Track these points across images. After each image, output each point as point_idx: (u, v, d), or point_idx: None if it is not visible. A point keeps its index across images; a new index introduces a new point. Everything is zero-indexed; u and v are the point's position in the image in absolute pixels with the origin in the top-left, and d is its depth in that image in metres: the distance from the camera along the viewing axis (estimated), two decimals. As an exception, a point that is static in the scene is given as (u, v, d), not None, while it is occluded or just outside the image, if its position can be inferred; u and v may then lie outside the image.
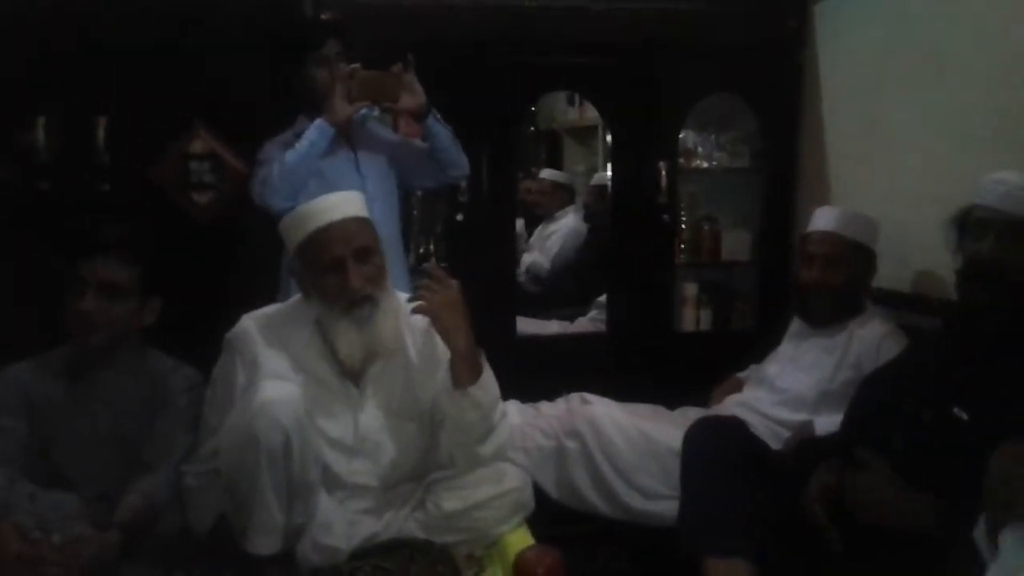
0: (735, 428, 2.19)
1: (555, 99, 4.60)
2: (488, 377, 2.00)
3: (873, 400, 2.03)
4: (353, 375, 2.02)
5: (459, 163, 2.74)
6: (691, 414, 2.72)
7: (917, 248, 2.60)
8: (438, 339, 2.03)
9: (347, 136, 2.64)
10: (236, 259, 2.95)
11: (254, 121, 2.64)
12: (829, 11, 3.22)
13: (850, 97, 3.11)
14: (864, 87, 3.00)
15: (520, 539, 2.03)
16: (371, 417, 2.02)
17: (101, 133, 2.83)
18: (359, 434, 2.01)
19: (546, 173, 4.58)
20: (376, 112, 2.71)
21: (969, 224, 1.94)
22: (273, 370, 1.94)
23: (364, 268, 1.94)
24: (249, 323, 2.02)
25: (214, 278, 2.89)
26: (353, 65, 2.52)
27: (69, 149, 2.84)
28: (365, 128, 2.71)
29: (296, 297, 2.08)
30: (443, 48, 3.01)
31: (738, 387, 2.81)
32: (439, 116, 2.64)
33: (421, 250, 3.34)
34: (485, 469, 2.03)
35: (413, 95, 2.57)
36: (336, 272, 1.91)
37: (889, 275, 2.65)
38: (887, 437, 1.89)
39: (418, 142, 2.73)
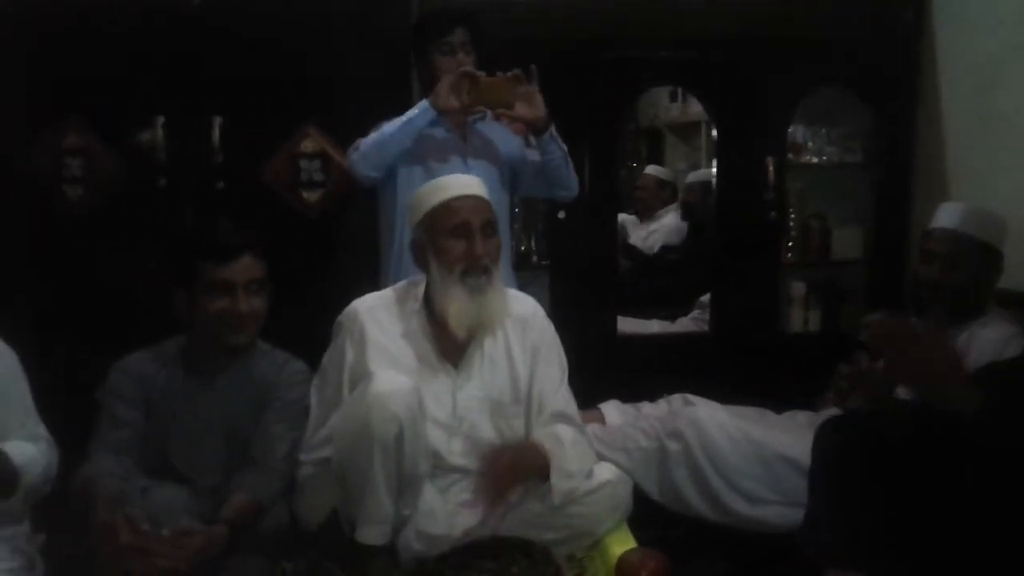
0: (868, 425, 2.08)
1: (657, 95, 4.52)
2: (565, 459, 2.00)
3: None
4: (454, 356, 2.07)
5: (568, 184, 2.71)
6: (799, 418, 2.64)
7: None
8: (538, 331, 2.12)
9: (461, 135, 2.65)
10: (341, 255, 3.00)
11: (365, 120, 2.67)
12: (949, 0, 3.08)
13: (972, 89, 2.96)
14: (987, 79, 2.86)
15: (622, 541, 2.02)
16: (469, 398, 2.07)
17: (216, 133, 2.91)
18: (457, 414, 2.05)
19: (650, 169, 4.51)
20: (487, 116, 2.70)
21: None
22: (379, 344, 2.02)
23: (487, 241, 2.02)
24: (358, 305, 2.11)
25: (320, 273, 2.95)
26: (470, 69, 2.51)
27: (186, 148, 2.93)
28: (479, 130, 2.70)
29: (403, 282, 2.17)
30: (544, 44, 3.00)
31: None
32: (556, 134, 2.60)
33: (522, 247, 3.33)
34: None
35: (532, 107, 2.52)
36: (462, 237, 2.00)
37: (1016, 276, 2.51)
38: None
39: (533, 153, 2.72)
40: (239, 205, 2.91)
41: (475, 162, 2.64)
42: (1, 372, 1.78)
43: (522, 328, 2.12)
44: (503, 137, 2.75)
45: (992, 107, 2.83)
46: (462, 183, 2.09)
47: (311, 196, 2.95)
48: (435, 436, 2.02)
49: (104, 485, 1.87)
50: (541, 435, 2.05)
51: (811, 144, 3.41)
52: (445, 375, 2.06)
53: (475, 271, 2.00)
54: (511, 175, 2.74)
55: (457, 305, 2.00)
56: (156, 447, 2.05)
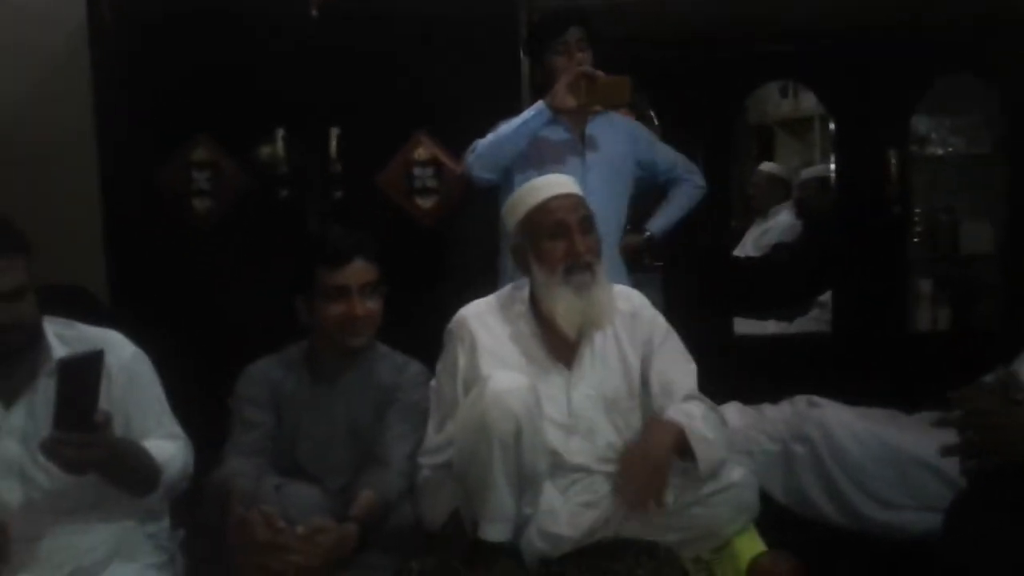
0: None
1: (767, 92, 4.42)
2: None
3: None
4: (565, 356, 2.06)
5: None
6: (931, 419, 2.53)
7: None
8: (647, 323, 2.09)
9: (579, 136, 2.65)
10: (457, 261, 3.04)
11: (476, 125, 2.70)
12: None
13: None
14: None
15: (750, 544, 1.96)
16: (584, 397, 2.05)
17: (334, 143, 2.99)
18: (573, 413, 2.04)
19: (764, 166, 4.41)
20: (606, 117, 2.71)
21: None
22: (489, 348, 2.03)
23: (586, 238, 2.01)
24: (466, 311, 2.13)
25: (436, 279, 2.99)
26: (588, 68, 2.51)
27: (305, 159, 3.02)
28: (598, 130, 2.70)
29: (506, 287, 2.17)
30: (656, 42, 2.99)
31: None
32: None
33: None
34: None
35: None
36: (561, 237, 1.99)
37: None
38: None
39: (664, 150, 2.75)
40: (356, 214, 2.97)
41: (593, 163, 2.64)
42: (139, 375, 1.84)
43: (631, 322, 2.10)
44: (625, 137, 2.74)
45: None
46: (555, 183, 2.08)
47: (425, 203, 3.00)
48: (553, 436, 2.01)
49: (238, 484, 1.92)
50: (669, 412, 2.00)
51: (935, 135, 3.29)
52: (558, 375, 2.06)
53: (578, 269, 1.99)
54: (635, 174, 2.74)
55: (564, 304, 2.00)
56: (285, 449, 2.10)
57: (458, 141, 2.97)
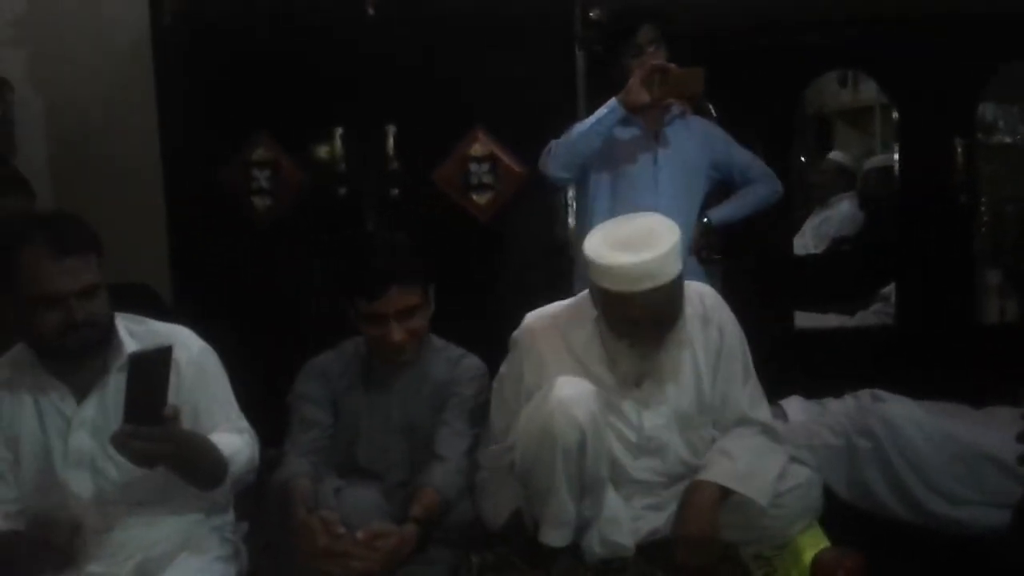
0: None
1: (825, 82, 4.35)
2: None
3: None
4: (636, 375, 2.01)
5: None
6: (1001, 414, 2.47)
7: None
8: (719, 327, 2.03)
9: (654, 134, 2.65)
10: (515, 258, 3.05)
11: (532, 121, 2.70)
12: None
13: None
14: None
15: (814, 540, 1.95)
16: (657, 416, 2.00)
17: (391, 141, 3.01)
18: (644, 434, 2.00)
19: (833, 155, 4.36)
20: (681, 110, 2.70)
21: None
22: (556, 365, 1.98)
23: (656, 323, 1.92)
24: (534, 322, 2.08)
25: (493, 276, 3.01)
26: (661, 62, 2.50)
27: (363, 157, 3.05)
28: (674, 130, 2.69)
29: (581, 295, 2.10)
30: (715, 33, 2.96)
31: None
32: None
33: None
34: None
35: None
36: (631, 326, 1.92)
37: None
38: None
39: (741, 152, 2.77)
40: (414, 211, 3.00)
41: (665, 162, 2.63)
42: (206, 368, 1.88)
43: (703, 328, 2.03)
44: (700, 138, 2.73)
45: None
46: (640, 276, 1.84)
47: (481, 199, 3.00)
48: (620, 453, 1.99)
49: (299, 487, 1.94)
50: (708, 460, 1.98)
51: (1003, 123, 3.20)
52: (628, 396, 2.00)
53: (644, 350, 1.95)
54: (711, 175, 2.74)
55: (625, 360, 1.98)
56: (344, 446, 2.12)
57: (514, 137, 3.00)
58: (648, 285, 1.84)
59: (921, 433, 2.39)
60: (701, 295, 2.08)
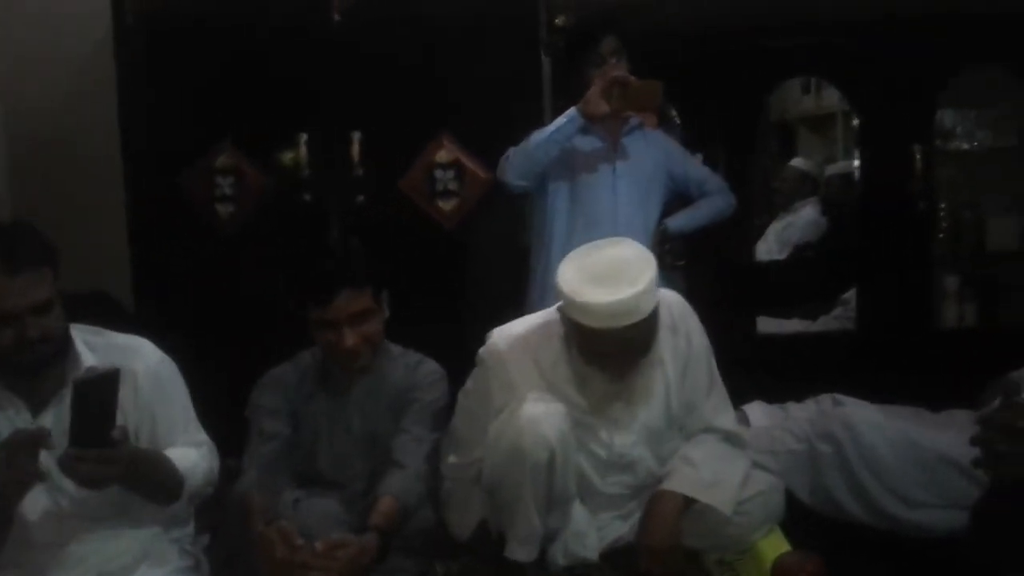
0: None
1: (788, 88, 4.41)
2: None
3: None
4: (607, 397, 2.00)
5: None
6: (959, 417, 2.50)
7: None
8: (686, 337, 2.04)
9: (612, 145, 2.67)
10: (480, 265, 3.04)
11: (498, 128, 2.71)
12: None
13: None
14: None
15: (775, 544, 1.97)
16: (627, 434, 2.01)
17: (356, 147, 2.99)
18: (615, 451, 2.00)
19: (795, 162, 4.40)
20: (639, 122, 2.73)
21: None
22: (528, 390, 1.96)
23: (628, 356, 1.93)
24: (501, 342, 2.05)
25: (459, 283, 3.00)
26: (621, 74, 2.53)
27: (328, 164, 3.02)
28: (631, 141, 2.72)
29: (548, 312, 2.08)
30: (676, 39, 2.99)
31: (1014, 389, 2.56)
32: None
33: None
34: None
35: None
36: (601, 358, 1.93)
37: None
38: None
39: (697, 166, 2.80)
40: (378, 218, 2.98)
41: (624, 172, 2.66)
42: (165, 380, 1.85)
43: (671, 337, 2.03)
44: (657, 150, 2.77)
45: None
46: (611, 313, 1.82)
47: (447, 205, 3.00)
48: (589, 471, 2.00)
49: (257, 499, 1.93)
50: (671, 469, 1.99)
51: (960, 129, 3.25)
52: (598, 417, 2.00)
53: (614, 378, 1.96)
54: (668, 186, 2.76)
55: (594, 385, 1.98)
56: (305, 456, 2.10)
57: (480, 143, 3.00)
58: (626, 322, 1.82)
59: (881, 437, 2.41)
60: (669, 304, 2.06)
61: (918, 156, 3.07)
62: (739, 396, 2.83)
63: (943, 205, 3.27)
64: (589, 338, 1.89)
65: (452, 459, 2.06)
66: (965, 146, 3.29)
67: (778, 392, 2.86)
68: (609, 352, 1.90)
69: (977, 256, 3.28)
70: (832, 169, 4.11)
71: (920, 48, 3.05)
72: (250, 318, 2.95)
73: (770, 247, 4.17)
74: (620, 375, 1.95)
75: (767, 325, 3.36)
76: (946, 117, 3.27)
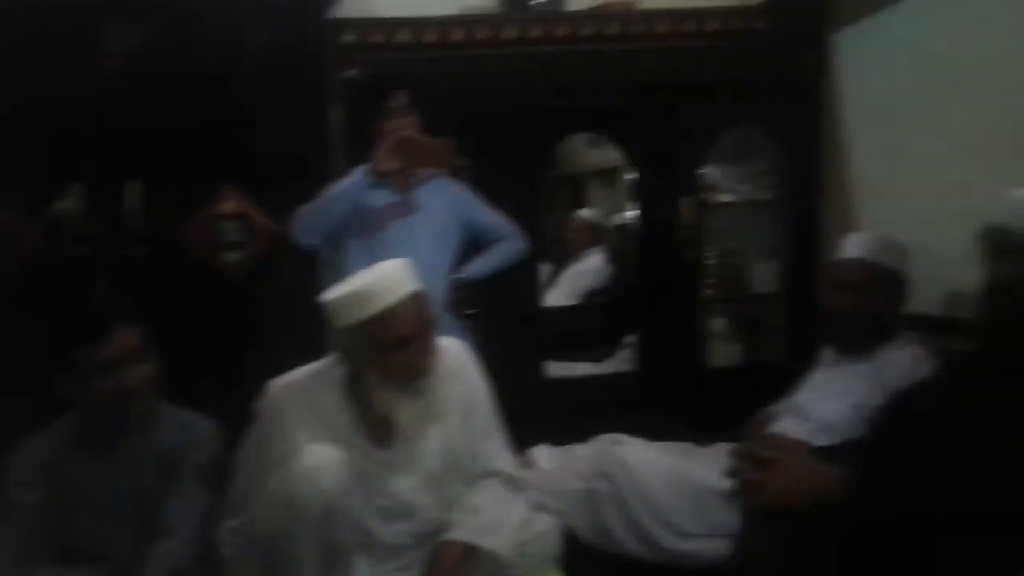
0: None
1: (577, 142, 4.64)
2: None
3: (896, 417, 1.99)
4: (384, 437, 2.00)
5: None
6: (725, 450, 2.68)
7: (947, 270, 2.57)
8: (467, 382, 2.08)
9: (406, 198, 2.72)
10: (270, 319, 2.98)
11: (286, 179, 2.69)
12: (847, 41, 3.22)
13: (869, 124, 3.11)
14: (886, 114, 3.01)
15: (553, 584, 2.02)
16: (408, 480, 2.00)
17: (133, 198, 2.88)
18: (395, 498, 1.99)
19: (582, 213, 4.61)
20: (430, 174, 2.80)
21: (998, 243, 1.89)
22: (302, 430, 1.93)
23: (426, 342, 1.94)
24: (278, 391, 2.01)
25: (246, 339, 2.93)
26: (408, 133, 2.59)
27: (104, 215, 2.90)
28: (424, 193, 2.78)
29: (326, 360, 2.06)
30: (465, 93, 3.08)
31: (770, 421, 2.77)
32: None
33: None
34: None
35: None
36: (402, 350, 1.90)
37: (921, 299, 2.61)
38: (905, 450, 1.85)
39: (490, 213, 2.88)
40: (158, 270, 2.88)
41: (418, 224, 2.71)
42: None
43: (452, 381, 2.05)
44: (450, 200, 2.83)
45: (891, 141, 2.96)
46: (393, 284, 1.91)
47: (231, 258, 2.93)
48: (370, 520, 1.97)
49: None
50: (454, 519, 2.00)
51: (725, 183, 3.52)
52: (378, 462, 1.98)
53: (418, 378, 1.94)
54: (462, 235, 2.84)
55: (401, 411, 1.94)
56: (63, 528, 1.97)
57: (269, 194, 2.97)
58: (398, 292, 1.89)
59: (653, 472, 2.54)
60: (452, 351, 2.11)
61: (688, 208, 3.31)
62: (529, 439, 2.94)
63: (711, 253, 3.51)
64: (378, 331, 1.88)
65: (231, 523, 1.98)
66: (729, 199, 3.55)
67: (568, 434, 2.96)
68: (405, 335, 1.89)
69: (741, 299, 3.53)
70: (616, 219, 4.33)
71: (690, 109, 3.31)
72: (11, 381, 2.74)
73: (562, 294, 4.35)
74: (423, 374, 1.93)
75: (557, 369, 3.48)
76: (713, 172, 3.52)
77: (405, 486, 2.00)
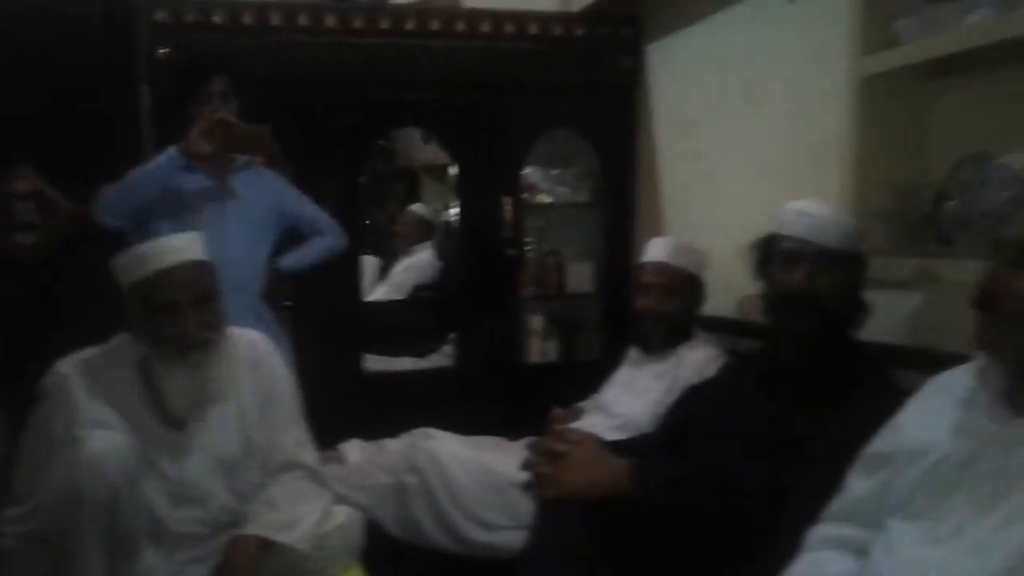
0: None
1: (412, 137, 4.65)
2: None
3: (685, 412, 2.12)
4: (179, 420, 1.95)
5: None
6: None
7: (740, 276, 2.73)
8: (268, 373, 2.05)
9: (222, 184, 2.66)
10: (70, 302, 2.83)
11: (87, 160, 2.56)
12: (660, 51, 3.37)
13: (677, 133, 3.27)
14: (688, 123, 3.17)
15: (352, 577, 2.02)
16: (199, 464, 1.96)
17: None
18: (186, 482, 1.94)
19: (414, 207, 4.64)
20: (246, 160, 2.75)
21: (776, 252, 2.03)
22: (94, 418, 1.86)
23: (202, 314, 1.90)
24: (66, 368, 1.93)
25: (44, 323, 2.77)
26: (225, 116, 2.52)
27: None
28: (243, 180, 2.72)
29: (117, 338, 2.01)
30: (285, 81, 3.03)
31: (578, 416, 2.87)
32: None
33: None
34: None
35: None
36: (172, 316, 1.87)
37: (716, 302, 2.77)
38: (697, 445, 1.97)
39: (310, 206, 2.87)
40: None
41: (233, 212, 2.65)
42: None
43: (252, 371, 2.04)
44: (269, 189, 2.79)
45: (694, 150, 3.12)
46: (173, 247, 1.90)
47: (25, 239, 2.77)
48: (158, 504, 1.91)
49: None
50: (250, 512, 1.97)
51: (544, 185, 3.61)
52: (168, 441, 1.94)
53: (192, 348, 1.90)
54: (279, 225, 2.80)
55: (174, 383, 1.91)
56: None
57: (69, 175, 2.82)
58: (175, 257, 1.88)
59: (461, 466, 2.58)
60: (252, 341, 2.10)
61: (508, 208, 3.37)
62: (345, 433, 2.92)
63: (531, 252, 3.60)
64: (154, 295, 1.86)
65: (10, 512, 1.87)
66: (549, 200, 3.64)
67: (386, 428, 2.96)
68: (177, 301, 1.86)
69: (559, 298, 3.63)
70: (446, 215, 4.37)
71: (514, 111, 3.37)
72: None
73: (390, 288, 4.35)
74: (195, 339, 1.89)
75: (378, 363, 3.47)
76: (533, 174, 3.60)
77: (196, 470, 1.95)
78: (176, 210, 2.57)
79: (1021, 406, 1.28)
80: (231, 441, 2.00)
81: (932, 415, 1.40)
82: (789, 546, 1.53)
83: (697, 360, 2.58)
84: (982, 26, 1.78)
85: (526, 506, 2.47)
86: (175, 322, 1.87)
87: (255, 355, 2.07)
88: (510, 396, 3.31)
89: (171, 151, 2.49)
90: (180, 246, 1.92)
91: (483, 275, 3.42)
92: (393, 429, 2.96)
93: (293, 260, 2.85)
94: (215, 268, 1.98)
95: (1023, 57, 1.83)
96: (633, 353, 2.83)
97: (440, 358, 3.74)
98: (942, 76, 2.06)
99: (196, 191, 2.62)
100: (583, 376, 3.14)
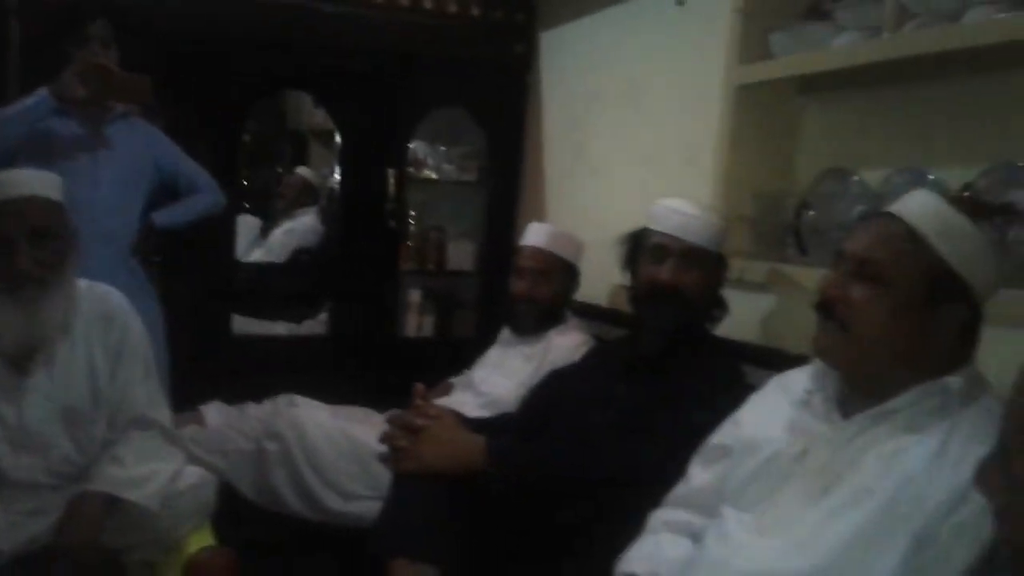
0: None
1: (303, 100, 4.56)
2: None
3: (546, 395, 2.18)
4: (19, 363, 1.89)
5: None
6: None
7: (614, 266, 2.81)
8: (121, 328, 2.00)
9: (95, 132, 2.58)
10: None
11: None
12: (553, 40, 3.41)
13: (564, 122, 3.32)
14: (575, 114, 3.22)
15: (200, 540, 1.99)
16: (40, 409, 1.90)
17: None
18: (24, 427, 1.88)
19: (300, 170, 4.56)
20: (124, 110, 2.67)
21: (645, 247, 2.10)
22: None
23: (38, 251, 1.84)
24: None
25: None
26: (103, 61, 2.44)
27: None
28: (118, 129, 2.65)
29: None
30: (170, 42, 2.93)
31: (447, 391, 2.90)
32: None
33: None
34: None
35: None
36: (5, 249, 1.81)
37: (591, 290, 2.84)
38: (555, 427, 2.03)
39: (189, 162, 2.82)
40: None
41: (106, 161, 2.58)
42: None
43: (104, 326, 1.99)
44: (145, 141, 2.73)
45: (578, 140, 3.19)
46: (17, 181, 1.86)
47: None
48: None
49: None
50: (97, 469, 1.92)
51: (431, 160, 3.61)
52: (8, 383, 1.88)
53: (23, 285, 1.84)
54: (154, 178, 2.74)
55: (4, 319, 1.84)
56: None
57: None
58: (36, 191, 1.84)
59: (324, 435, 2.58)
60: (107, 294, 2.05)
61: (392, 180, 3.36)
62: (209, 395, 2.87)
63: (413, 226, 3.60)
64: None
65: None
66: (434, 176, 3.65)
67: (251, 392, 2.92)
68: (9, 232, 1.80)
69: (438, 273, 3.65)
70: (332, 181, 4.31)
71: (404, 83, 3.35)
72: None
73: (270, 250, 4.27)
74: (22, 273, 1.82)
75: (250, 326, 3.41)
76: (420, 148, 3.60)
77: (38, 415, 1.90)
78: (44, 155, 2.46)
79: (851, 410, 1.38)
80: (77, 391, 1.95)
81: (770, 412, 1.50)
82: (636, 527, 1.60)
83: (566, 345, 2.64)
84: (848, 48, 1.89)
85: (387, 477, 2.50)
86: (7, 255, 1.81)
87: (107, 307, 2.02)
88: (383, 368, 3.31)
89: (43, 92, 2.39)
90: (25, 180, 1.87)
91: (364, 245, 3.40)
92: (261, 394, 2.93)
93: (168, 216, 2.78)
94: (65, 209, 1.91)
95: (884, 80, 1.95)
96: (505, 334, 2.87)
97: (315, 325, 3.71)
98: (812, 91, 2.16)
99: (67, 137, 2.54)
100: (458, 353, 3.18)
